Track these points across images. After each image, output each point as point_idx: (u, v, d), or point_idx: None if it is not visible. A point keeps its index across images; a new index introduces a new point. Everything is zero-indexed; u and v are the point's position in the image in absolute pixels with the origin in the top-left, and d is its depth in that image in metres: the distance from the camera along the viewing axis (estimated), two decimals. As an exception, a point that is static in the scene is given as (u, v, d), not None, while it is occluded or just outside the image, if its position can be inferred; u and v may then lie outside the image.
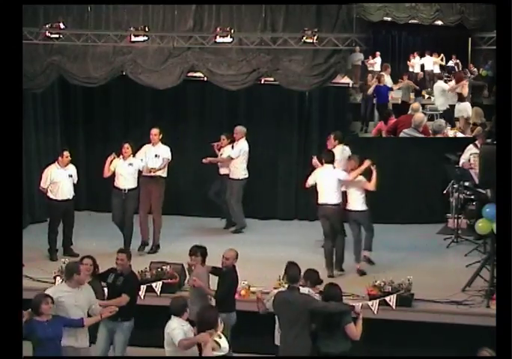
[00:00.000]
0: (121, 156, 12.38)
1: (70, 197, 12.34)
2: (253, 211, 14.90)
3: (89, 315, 8.67)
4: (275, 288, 9.71)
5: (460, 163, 12.69)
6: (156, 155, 12.64)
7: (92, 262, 9.30)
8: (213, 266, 9.74)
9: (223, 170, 13.87)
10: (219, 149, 13.87)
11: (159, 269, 10.77)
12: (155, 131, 12.72)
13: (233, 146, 13.72)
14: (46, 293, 8.34)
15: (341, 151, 12.41)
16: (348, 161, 11.92)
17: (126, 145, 12.38)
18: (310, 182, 11.67)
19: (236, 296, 10.33)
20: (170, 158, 12.78)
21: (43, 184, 12.25)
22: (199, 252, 9.58)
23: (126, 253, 9.48)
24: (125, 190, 12.38)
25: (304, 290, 8.76)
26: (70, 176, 12.35)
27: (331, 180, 11.43)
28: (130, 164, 12.36)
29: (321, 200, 11.52)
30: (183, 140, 14.57)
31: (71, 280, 8.60)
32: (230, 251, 9.61)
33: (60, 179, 12.22)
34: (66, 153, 12.30)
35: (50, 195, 12.27)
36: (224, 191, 13.84)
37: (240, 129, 13.73)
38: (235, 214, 13.90)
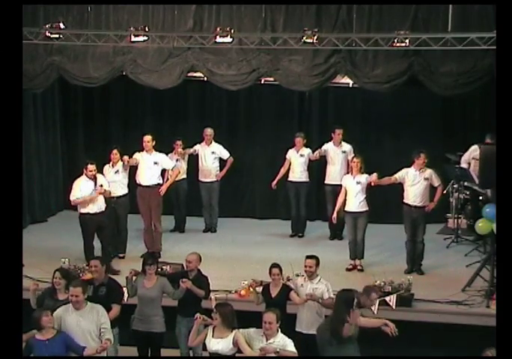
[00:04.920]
0: (110, 162, 12.14)
1: (103, 209, 11.64)
2: (252, 211, 14.91)
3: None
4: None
5: (472, 166, 12.41)
6: (155, 163, 12.31)
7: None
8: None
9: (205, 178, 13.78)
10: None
11: (160, 269, 10.74)
12: (148, 138, 12.29)
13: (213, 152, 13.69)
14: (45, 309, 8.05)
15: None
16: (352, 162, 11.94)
17: (115, 151, 12.08)
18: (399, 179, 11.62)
19: (236, 296, 10.37)
20: (171, 167, 12.62)
21: (74, 196, 11.45)
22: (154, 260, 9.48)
23: (99, 259, 9.11)
24: (114, 198, 12.00)
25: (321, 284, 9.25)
26: (101, 186, 11.51)
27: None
28: (117, 172, 12.07)
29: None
30: (183, 141, 14.53)
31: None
32: (192, 255, 9.50)
33: (91, 192, 11.46)
34: (90, 167, 11.41)
35: (81, 209, 11.55)
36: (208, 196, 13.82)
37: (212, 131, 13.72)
38: (216, 214, 13.95)
